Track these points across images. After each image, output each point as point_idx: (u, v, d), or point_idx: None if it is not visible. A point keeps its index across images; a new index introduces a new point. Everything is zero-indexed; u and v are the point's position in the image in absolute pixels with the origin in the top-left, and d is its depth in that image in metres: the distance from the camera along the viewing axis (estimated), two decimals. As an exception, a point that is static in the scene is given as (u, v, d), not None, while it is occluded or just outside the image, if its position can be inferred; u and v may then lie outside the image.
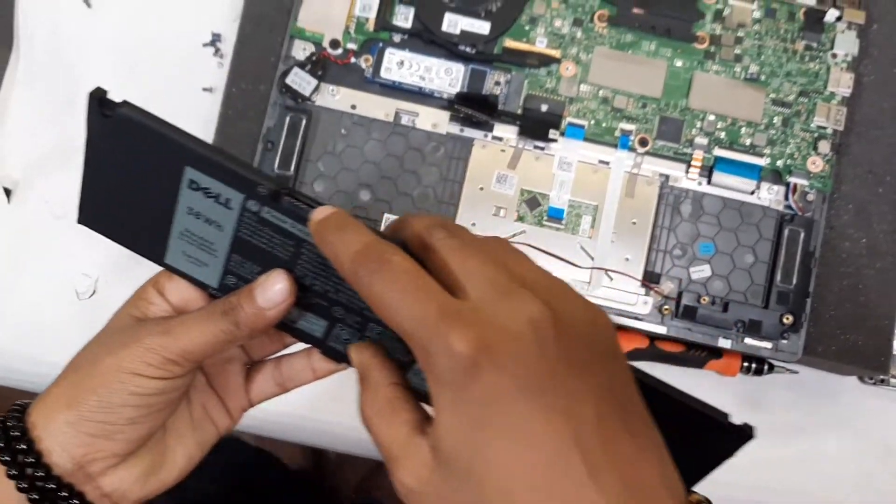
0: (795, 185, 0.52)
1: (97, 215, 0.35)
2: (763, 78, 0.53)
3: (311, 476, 1.18)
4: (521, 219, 0.51)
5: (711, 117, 0.52)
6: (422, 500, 0.26)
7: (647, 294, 0.51)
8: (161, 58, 0.56)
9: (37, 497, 0.32)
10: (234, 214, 0.32)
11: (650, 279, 0.51)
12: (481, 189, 0.51)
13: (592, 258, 0.51)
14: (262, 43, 0.53)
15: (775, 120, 0.52)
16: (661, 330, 0.51)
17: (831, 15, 0.53)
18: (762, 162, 0.52)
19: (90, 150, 0.33)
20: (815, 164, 0.52)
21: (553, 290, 0.26)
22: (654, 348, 0.53)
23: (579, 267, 0.51)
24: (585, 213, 0.52)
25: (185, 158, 0.31)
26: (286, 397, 0.39)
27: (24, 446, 0.32)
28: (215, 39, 0.57)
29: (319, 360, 0.37)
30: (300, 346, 0.37)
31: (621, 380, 0.26)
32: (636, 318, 0.51)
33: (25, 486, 0.32)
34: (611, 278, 0.51)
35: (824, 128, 0.52)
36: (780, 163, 0.52)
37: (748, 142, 0.52)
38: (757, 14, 0.53)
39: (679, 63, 0.53)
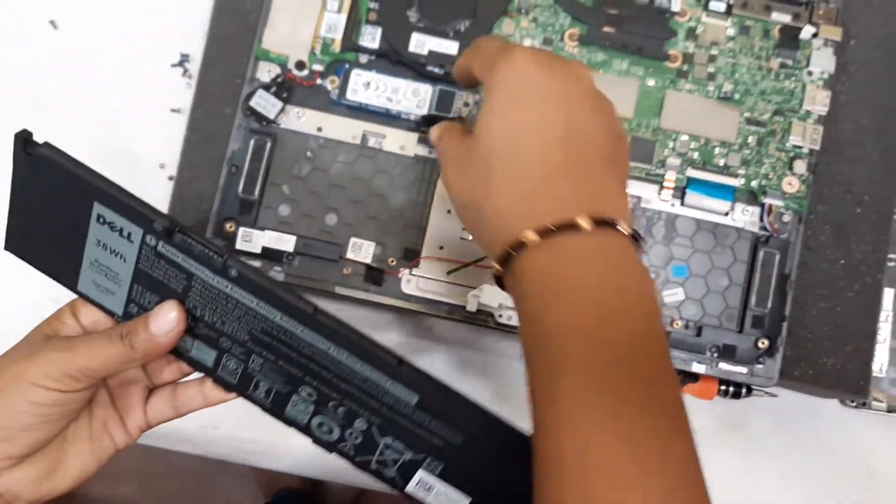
0: (771, 206, 0.51)
1: (21, 243, 0.39)
2: (737, 97, 0.52)
3: (308, 492, 1.18)
4: (490, 242, 0.51)
5: (684, 137, 0.51)
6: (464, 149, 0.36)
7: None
8: (129, 78, 0.56)
9: None
10: (135, 247, 0.36)
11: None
12: (449, 212, 0.51)
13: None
14: (227, 64, 0.52)
15: (750, 139, 0.51)
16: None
17: (807, 32, 0.52)
18: (736, 182, 0.51)
19: (15, 184, 0.37)
20: (791, 185, 0.51)
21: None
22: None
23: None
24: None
25: (94, 195, 0.35)
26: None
27: None
28: (184, 60, 0.56)
29: (210, 388, 0.40)
30: (198, 374, 0.40)
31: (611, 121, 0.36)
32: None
33: None
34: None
35: (800, 147, 0.51)
36: (754, 183, 0.51)
37: (722, 162, 0.51)
38: (731, 31, 0.52)
39: (651, 82, 0.52)
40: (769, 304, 0.50)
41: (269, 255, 0.50)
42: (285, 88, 0.51)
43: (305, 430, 0.39)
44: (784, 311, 0.50)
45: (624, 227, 0.33)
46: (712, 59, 0.52)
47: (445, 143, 0.39)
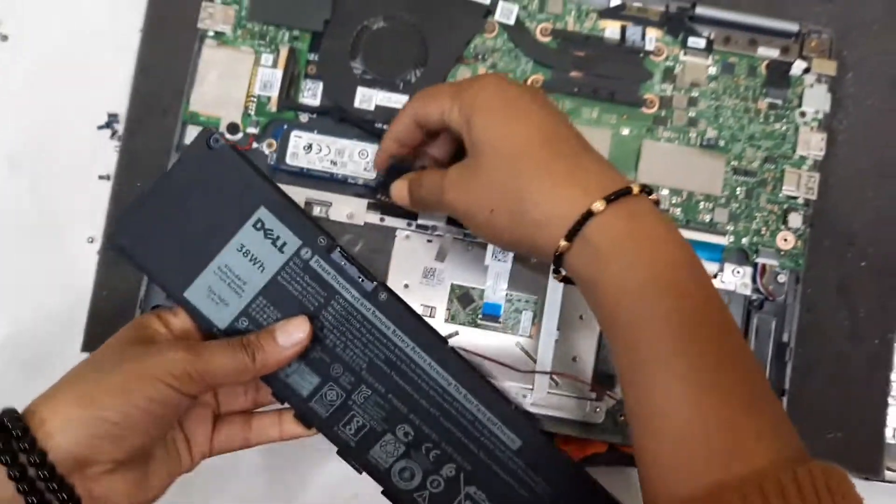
0: (764, 266, 0.45)
1: (132, 240, 0.37)
2: (722, 143, 0.46)
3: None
4: (452, 318, 0.45)
5: (664, 191, 0.46)
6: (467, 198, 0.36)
7: (598, 399, 0.45)
8: (58, 139, 0.50)
9: (33, 496, 0.32)
10: (283, 259, 0.37)
11: (602, 382, 0.45)
12: (406, 286, 0.45)
13: (535, 360, 0.45)
14: (153, 130, 0.47)
15: (738, 191, 0.46)
16: (616, 440, 0.45)
17: (798, 67, 0.46)
18: (724, 241, 0.46)
19: (168, 179, 0.37)
20: (786, 241, 0.46)
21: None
22: (615, 451, 0.47)
23: (519, 371, 0.44)
24: (526, 309, 0.45)
25: (264, 200, 0.37)
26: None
27: (27, 445, 0.32)
28: (112, 121, 0.51)
29: (289, 422, 0.39)
30: (270, 408, 0.40)
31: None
32: (587, 429, 0.45)
33: (25, 488, 0.32)
34: (556, 383, 0.45)
35: (795, 197, 0.46)
36: (745, 241, 0.46)
37: (707, 218, 0.46)
38: (712, 70, 0.47)
39: (625, 131, 0.46)
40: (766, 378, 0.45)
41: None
42: (217, 155, 0.46)
43: (384, 474, 0.38)
44: (783, 384, 0.45)
45: (654, 193, 0.35)
46: (693, 102, 0.47)
47: (429, 184, 0.38)
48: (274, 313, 0.37)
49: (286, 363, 0.37)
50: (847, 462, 0.46)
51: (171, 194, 0.37)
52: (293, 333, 0.36)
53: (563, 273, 0.36)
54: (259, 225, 0.37)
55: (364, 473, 0.38)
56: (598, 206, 0.33)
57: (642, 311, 0.32)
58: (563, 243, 0.33)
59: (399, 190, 0.41)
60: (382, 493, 0.38)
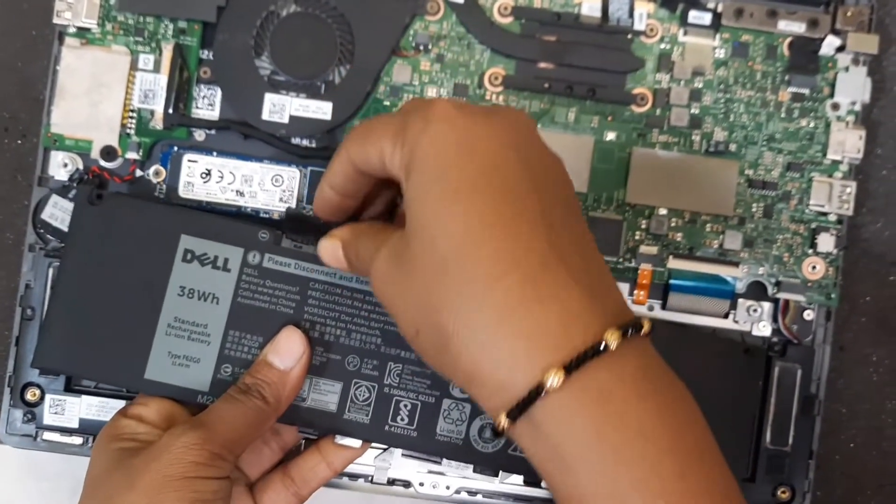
0: (787, 302, 0.36)
1: (58, 358, 0.33)
2: (734, 148, 0.37)
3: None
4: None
5: (662, 212, 0.37)
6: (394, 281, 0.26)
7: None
8: None
9: None
10: (234, 277, 0.33)
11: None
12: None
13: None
14: (5, 156, 0.37)
15: (754, 209, 0.37)
16: None
17: (829, 45, 0.36)
18: (737, 272, 0.36)
19: (66, 265, 0.33)
20: (815, 269, 0.36)
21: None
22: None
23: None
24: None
25: (180, 227, 0.33)
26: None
27: None
28: (-30, 137, 0.41)
29: (333, 451, 0.34)
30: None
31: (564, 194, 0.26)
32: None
33: None
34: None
35: (825, 214, 0.37)
36: (763, 271, 0.37)
37: (716, 244, 0.37)
38: (720, 53, 0.37)
39: (610, 136, 0.36)
40: (790, 439, 0.36)
41: (89, 429, 0.36)
42: (92, 189, 0.36)
43: (465, 448, 0.34)
44: (811, 445, 0.36)
45: (645, 326, 0.24)
46: (696, 95, 0.37)
47: (364, 254, 0.28)
48: (254, 340, 0.33)
49: (300, 384, 0.32)
50: (888, 533, 0.38)
51: (77, 280, 0.33)
52: (288, 348, 0.32)
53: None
54: (189, 256, 0.33)
55: (449, 462, 0.34)
56: (554, 379, 0.22)
57: None
58: (503, 420, 0.23)
59: (329, 252, 0.30)
60: (475, 471, 0.35)
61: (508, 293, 0.23)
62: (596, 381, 0.23)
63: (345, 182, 0.29)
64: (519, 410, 0.23)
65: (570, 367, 0.22)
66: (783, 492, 0.36)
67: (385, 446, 0.35)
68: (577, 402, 0.23)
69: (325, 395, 0.33)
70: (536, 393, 0.23)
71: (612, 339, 0.23)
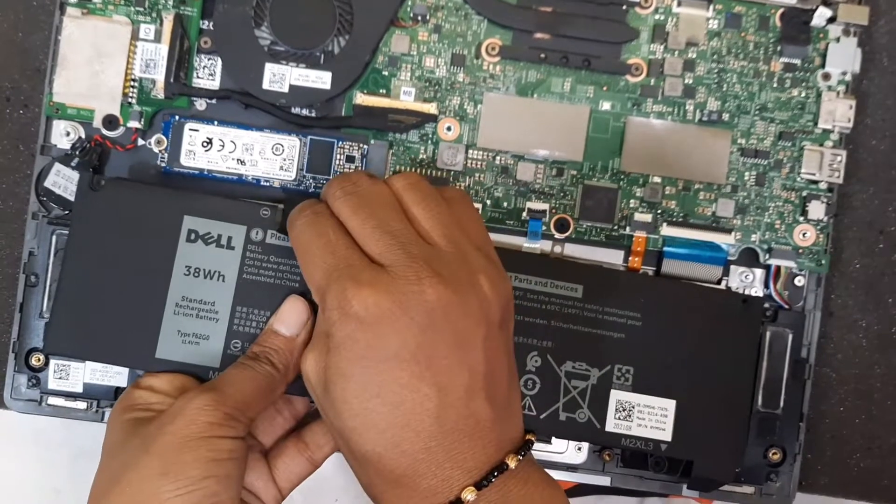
0: (778, 268, 0.37)
1: (69, 342, 0.34)
2: (727, 118, 0.37)
3: None
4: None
5: (656, 180, 0.37)
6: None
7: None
8: None
9: None
10: (238, 254, 0.34)
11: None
12: (340, 311, 0.37)
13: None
14: (8, 126, 0.37)
15: (746, 177, 0.37)
16: (603, 481, 0.38)
17: (820, 16, 0.37)
18: (730, 239, 0.37)
19: (72, 250, 0.33)
20: (805, 236, 0.37)
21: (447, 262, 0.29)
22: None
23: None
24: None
25: (183, 208, 0.33)
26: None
27: None
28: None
29: None
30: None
31: (497, 352, 0.30)
32: (569, 470, 0.37)
33: None
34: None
35: (816, 182, 0.37)
36: (755, 237, 0.37)
37: (709, 212, 0.37)
38: (714, 24, 0.37)
39: (606, 105, 0.37)
40: (781, 402, 0.37)
41: (93, 393, 0.36)
42: (94, 157, 0.36)
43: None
44: (802, 407, 0.37)
45: (532, 442, 0.31)
46: (689, 66, 0.37)
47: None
48: (262, 315, 0.34)
49: (307, 344, 0.32)
50: (877, 494, 0.39)
51: (84, 265, 0.33)
52: (292, 316, 0.33)
53: None
54: (192, 236, 0.33)
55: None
56: (469, 496, 0.28)
57: None
58: None
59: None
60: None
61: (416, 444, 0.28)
62: (500, 492, 0.28)
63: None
64: None
65: (481, 485, 0.28)
66: (774, 453, 0.37)
67: None
68: None
69: None
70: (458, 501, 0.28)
71: (511, 462, 0.29)
